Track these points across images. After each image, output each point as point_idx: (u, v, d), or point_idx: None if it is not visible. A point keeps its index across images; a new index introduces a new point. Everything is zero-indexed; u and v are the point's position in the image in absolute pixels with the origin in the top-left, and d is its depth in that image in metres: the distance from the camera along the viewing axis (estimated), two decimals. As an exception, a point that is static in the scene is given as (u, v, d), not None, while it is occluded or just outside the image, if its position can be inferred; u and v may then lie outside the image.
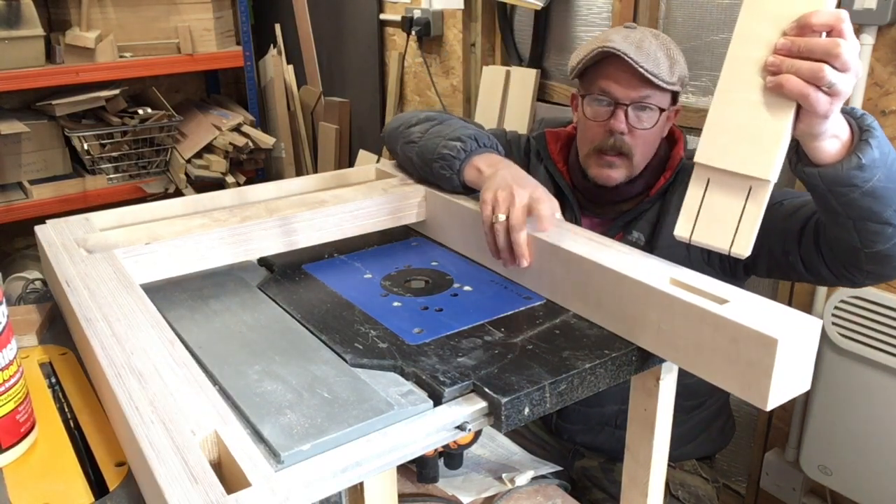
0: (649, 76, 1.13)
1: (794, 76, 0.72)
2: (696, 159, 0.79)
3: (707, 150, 0.77)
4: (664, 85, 1.15)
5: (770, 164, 0.74)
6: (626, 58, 1.13)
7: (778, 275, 1.12)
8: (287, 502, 0.53)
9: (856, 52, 0.73)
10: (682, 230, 0.81)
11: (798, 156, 0.85)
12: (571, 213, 1.28)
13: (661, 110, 1.18)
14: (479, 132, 1.10)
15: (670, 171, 1.23)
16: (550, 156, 1.33)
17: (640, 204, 1.24)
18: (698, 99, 1.78)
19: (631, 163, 1.20)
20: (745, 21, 0.75)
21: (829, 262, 1.00)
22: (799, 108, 0.75)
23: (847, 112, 0.82)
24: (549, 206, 0.93)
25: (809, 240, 1.02)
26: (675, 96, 1.22)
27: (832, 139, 0.80)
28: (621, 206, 1.27)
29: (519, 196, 0.92)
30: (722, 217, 0.77)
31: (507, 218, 0.91)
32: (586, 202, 1.29)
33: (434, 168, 1.09)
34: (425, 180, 1.15)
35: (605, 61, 1.17)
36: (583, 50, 1.20)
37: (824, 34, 0.73)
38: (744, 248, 0.77)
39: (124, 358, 0.69)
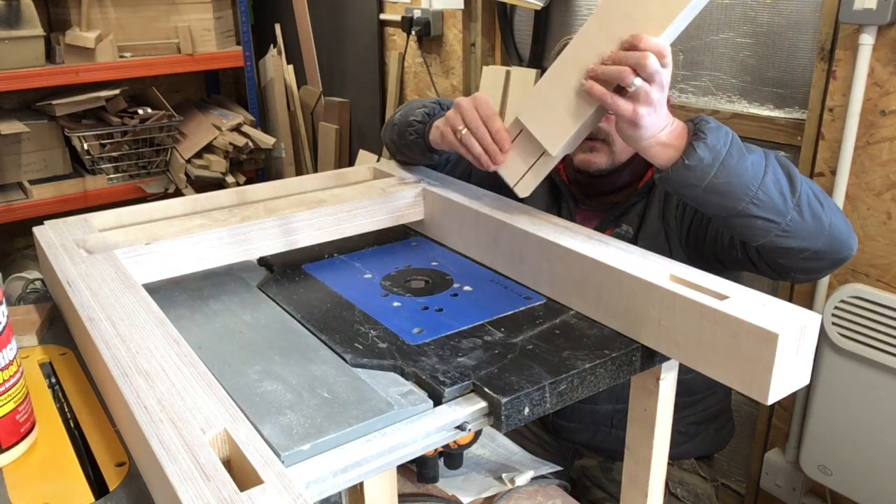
0: None
1: (600, 84, 0.86)
2: (517, 114, 0.96)
3: (526, 109, 0.95)
4: None
5: (557, 144, 0.92)
6: None
7: (742, 269, 1.14)
8: (299, 499, 0.53)
9: (666, 73, 0.85)
10: None
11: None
12: (567, 207, 1.29)
13: None
14: (444, 99, 1.22)
15: None
16: None
17: (630, 197, 1.26)
18: (698, 99, 1.78)
19: (611, 149, 1.21)
20: (591, 25, 0.88)
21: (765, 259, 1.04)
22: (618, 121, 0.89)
23: (691, 121, 0.92)
24: (493, 109, 1.02)
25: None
26: None
27: (662, 147, 0.90)
28: (611, 198, 1.29)
29: (465, 105, 1.03)
30: (518, 162, 0.97)
31: (468, 128, 1.02)
32: (581, 196, 1.31)
33: (406, 137, 1.19)
34: (409, 160, 1.25)
35: None
36: (555, 50, 1.26)
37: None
38: (523, 190, 0.97)
39: (130, 358, 0.69)
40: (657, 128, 0.89)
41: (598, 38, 0.87)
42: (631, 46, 0.84)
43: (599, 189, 1.29)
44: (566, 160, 1.32)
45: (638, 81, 0.84)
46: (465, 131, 1.02)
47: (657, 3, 0.84)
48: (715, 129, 0.89)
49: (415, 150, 1.20)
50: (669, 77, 0.87)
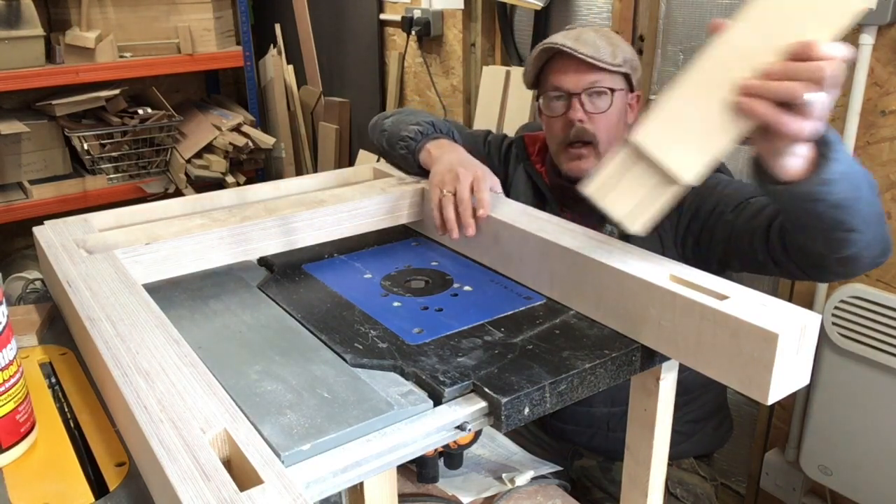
0: (591, 61, 1.20)
1: (763, 102, 0.72)
2: (633, 137, 0.79)
3: (647, 132, 0.78)
4: (608, 67, 1.21)
5: (696, 173, 0.77)
6: (565, 49, 1.20)
7: (753, 270, 1.13)
8: (299, 499, 0.53)
9: (842, 77, 0.72)
10: (591, 189, 0.83)
11: (761, 172, 0.84)
12: (552, 211, 1.30)
13: (613, 91, 1.23)
14: (438, 120, 1.23)
15: None
16: (529, 157, 1.39)
17: None
18: (698, 99, 1.78)
19: (597, 150, 1.24)
20: (739, 32, 0.74)
21: (797, 262, 1.01)
22: (764, 130, 0.75)
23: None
24: (488, 184, 1.03)
25: (776, 239, 1.02)
26: (629, 81, 1.27)
27: (796, 159, 0.80)
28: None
29: (463, 176, 1.02)
30: (631, 192, 0.80)
31: (454, 194, 1.01)
32: (565, 199, 1.31)
33: (396, 150, 1.21)
34: (396, 167, 1.27)
35: (552, 61, 1.25)
36: (529, 57, 1.29)
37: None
38: (635, 225, 0.81)
39: (130, 357, 0.69)
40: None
41: (752, 48, 0.73)
42: (801, 56, 0.71)
43: (580, 195, 1.29)
44: (548, 165, 1.34)
45: (810, 96, 0.71)
46: (448, 194, 1.01)
47: (819, 5, 0.70)
48: (838, 139, 0.81)
49: (402, 163, 1.23)
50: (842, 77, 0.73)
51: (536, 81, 1.30)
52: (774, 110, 0.72)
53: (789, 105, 0.71)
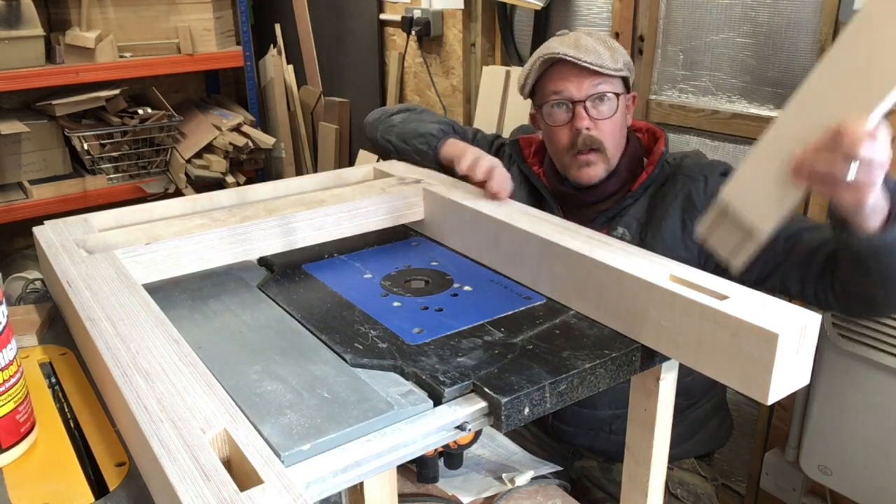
0: (595, 68, 1.19)
1: (809, 173, 0.77)
2: (721, 194, 0.88)
3: (732, 189, 0.88)
4: (611, 72, 1.21)
5: (767, 226, 0.85)
6: (567, 58, 1.18)
7: (780, 296, 1.13)
8: (299, 499, 0.53)
9: (882, 148, 0.75)
10: (700, 229, 0.91)
11: (842, 225, 0.90)
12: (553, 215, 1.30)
13: (617, 95, 1.23)
14: (454, 122, 1.32)
15: (652, 165, 1.26)
16: (525, 159, 1.38)
17: (623, 199, 1.26)
18: (698, 99, 1.78)
19: (605, 155, 1.24)
20: (791, 110, 0.82)
21: (842, 301, 1.04)
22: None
23: (890, 188, 0.86)
24: (502, 179, 1.09)
25: (827, 279, 1.04)
26: (626, 83, 1.28)
27: (873, 214, 0.86)
28: (601, 206, 1.29)
29: (487, 159, 1.11)
30: (727, 238, 0.89)
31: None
32: (568, 206, 1.31)
33: (413, 144, 1.25)
34: (402, 158, 1.32)
35: (551, 69, 1.24)
36: (527, 67, 1.27)
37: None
38: (736, 266, 0.89)
39: (130, 357, 0.69)
40: (877, 196, 0.83)
41: (798, 125, 0.80)
42: (836, 134, 0.75)
43: (588, 200, 1.30)
44: (548, 170, 1.33)
45: (852, 174, 0.75)
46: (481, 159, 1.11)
47: (859, 87, 0.76)
48: None
49: (420, 156, 1.25)
50: (889, 150, 0.77)
51: (532, 91, 1.29)
52: (822, 183, 0.77)
53: (835, 177, 0.76)
